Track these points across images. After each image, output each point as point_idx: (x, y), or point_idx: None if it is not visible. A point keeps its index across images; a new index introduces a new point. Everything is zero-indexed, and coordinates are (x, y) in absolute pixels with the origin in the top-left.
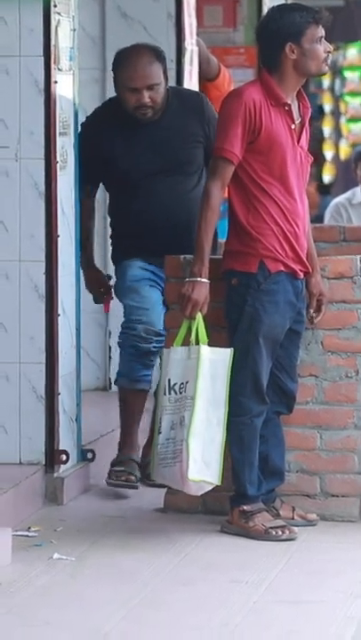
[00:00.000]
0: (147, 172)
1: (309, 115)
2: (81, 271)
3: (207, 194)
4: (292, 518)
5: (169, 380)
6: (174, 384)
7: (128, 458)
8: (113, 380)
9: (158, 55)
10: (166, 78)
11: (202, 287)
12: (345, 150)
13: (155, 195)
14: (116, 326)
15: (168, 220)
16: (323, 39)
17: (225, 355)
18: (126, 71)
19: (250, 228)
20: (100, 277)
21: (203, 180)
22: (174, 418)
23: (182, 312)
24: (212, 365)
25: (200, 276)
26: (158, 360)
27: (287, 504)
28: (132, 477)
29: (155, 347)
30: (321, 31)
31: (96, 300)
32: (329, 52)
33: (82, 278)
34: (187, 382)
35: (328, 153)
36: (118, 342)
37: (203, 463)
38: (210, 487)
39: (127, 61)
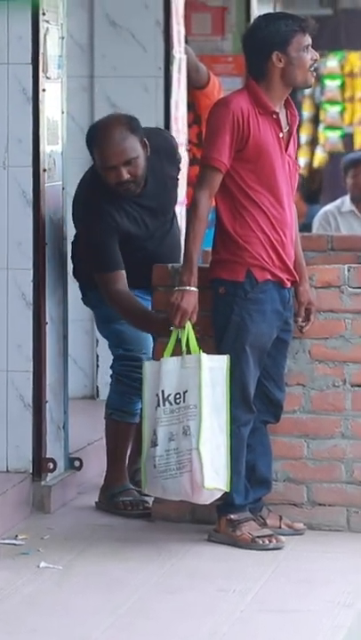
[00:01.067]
0: (149, 232)
1: (297, 123)
2: (69, 280)
3: (196, 203)
4: (280, 527)
5: (163, 392)
6: (168, 395)
7: (129, 487)
8: (106, 415)
9: (132, 127)
10: (145, 146)
11: (191, 296)
12: (319, 158)
13: (148, 242)
14: None
15: (153, 259)
16: (309, 47)
17: (222, 361)
18: (100, 150)
19: (237, 236)
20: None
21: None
22: (173, 429)
23: (171, 321)
24: (212, 373)
25: (189, 285)
26: None
27: (274, 513)
28: (147, 504)
29: None
30: (308, 39)
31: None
32: (316, 60)
33: (70, 285)
34: (185, 392)
35: (302, 160)
36: (116, 376)
37: (213, 471)
38: (219, 494)
39: (100, 139)
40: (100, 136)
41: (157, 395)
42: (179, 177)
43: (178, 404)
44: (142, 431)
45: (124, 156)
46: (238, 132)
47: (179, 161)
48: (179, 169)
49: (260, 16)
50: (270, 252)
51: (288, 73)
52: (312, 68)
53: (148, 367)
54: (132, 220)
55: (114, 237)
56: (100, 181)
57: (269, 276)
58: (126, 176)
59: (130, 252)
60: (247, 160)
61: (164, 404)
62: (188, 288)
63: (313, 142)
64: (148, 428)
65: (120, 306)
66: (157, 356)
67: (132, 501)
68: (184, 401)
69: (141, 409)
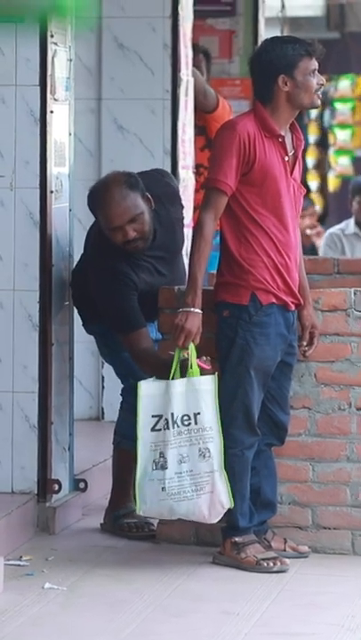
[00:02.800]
0: (165, 275)
1: (302, 146)
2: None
3: (201, 224)
4: (284, 550)
5: (172, 414)
6: (177, 417)
7: (134, 509)
8: (115, 442)
9: (130, 184)
10: (148, 200)
11: (195, 317)
12: (334, 182)
13: (161, 282)
14: None
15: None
16: (316, 72)
17: (214, 383)
18: (103, 212)
19: (241, 259)
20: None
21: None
22: (183, 451)
23: (175, 342)
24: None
25: (193, 307)
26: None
27: (279, 536)
28: (152, 526)
29: None
30: (314, 64)
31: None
32: (322, 84)
33: (75, 310)
34: (197, 414)
35: (313, 184)
36: (125, 403)
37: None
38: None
39: (102, 202)
40: (100, 198)
41: (168, 417)
42: (184, 215)
43: (187, 425)
44: (138, 453)
45: (127, 215)
46: (245, 156)
47: (180, 199)
48: (182, 207)
49: (267, 39)
50: (275, 276)
51: (294, 96)
52: (318, 92)
53: (145, 388)
54: (146, 272)
55: (134, 297)
56: (108, 242)
57: (274, 300)
58: (133, 234)
59: (143, 294)
60: (253, 183)
61: (173, 427)
62: (192, 310)
63: (320, 166)
64: (144, 451)
65: (146, 364)
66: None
67: (137, 524)
68: (196, 423)
69: (134, 431)
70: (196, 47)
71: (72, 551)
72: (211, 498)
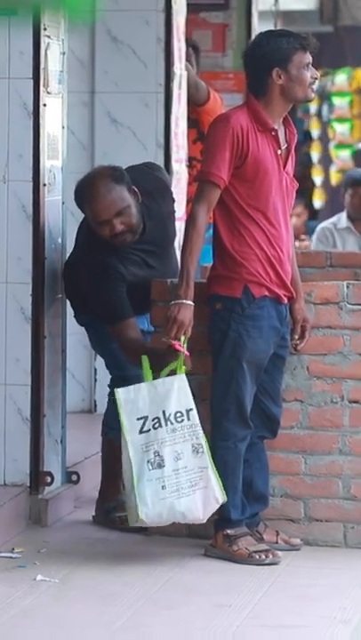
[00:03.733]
0: (152, 272)
1: (295, 140)
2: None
3: (193, 217)
4: (276, 542)
5: (164, 412)
6: (169, 414)
7: (124, 501)
8: (103, 432)
9: (116, 177)
10: (135, 193)
11: (187, 309)
12: (336, 176)
13: (152, 275)
14: None
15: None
16: (310, 65)
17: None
18: (90, 206)
19: (234, 252)
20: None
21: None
22: (178, 447)
23: (167, 334)
24: None
25: (185, 299)
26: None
27: (271, 528)
28: None
29: None
30: (308, 57)
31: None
32: (316, 78)
33: (67, 301)
34: (189, 410)
35: (317, 178)
36: (113, 395)
37: None
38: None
39: (88, 196)
40: (87, 193)
41: (160, 415)
42: (175, 209)
43: (180, 422)
44: (125, 458)
45: (114, 208)
46: (238, 149)
47: (171, 193)
48: (173, 200)
49: (261, 33)
50: (267, 269)
51: (288, 90)
52: (312, 86)
53: (122, 393)
54: (136, 266)
55: (122, 289)
56: (96, 236)
57: (266, 293)
58: (120, 227)
59: (134, 287)
60: (245, 176)
61: (166, 424)
62: (184, 301)
63: (324, 160)
64: (135, 454)
65: (133, 354)
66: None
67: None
68: (189, 419)
69: (119, 437)
70: (185, 41)
71: (64, 543)
72: (205, 493)
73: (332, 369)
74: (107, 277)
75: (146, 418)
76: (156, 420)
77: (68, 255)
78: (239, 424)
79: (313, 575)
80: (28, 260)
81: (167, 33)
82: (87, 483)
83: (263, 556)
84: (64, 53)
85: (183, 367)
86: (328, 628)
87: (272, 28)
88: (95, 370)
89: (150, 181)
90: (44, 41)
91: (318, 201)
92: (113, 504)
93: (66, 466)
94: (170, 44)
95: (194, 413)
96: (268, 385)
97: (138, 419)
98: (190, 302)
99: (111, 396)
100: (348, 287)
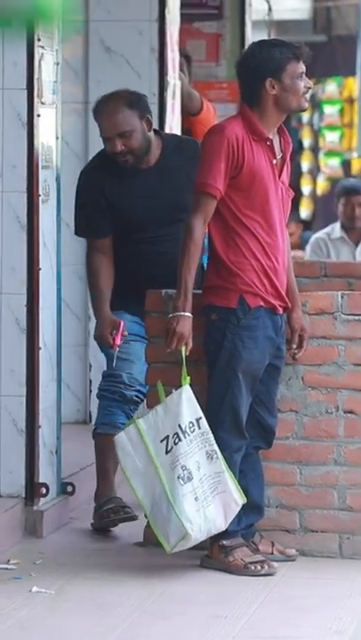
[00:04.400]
0: (145, 218)
1: (290, 150)
2: (63, 306)
3: (190, 228)
4: (272, 553)
5: (179, 426)
6: (185, 426)
7: (112, 496)
8: (93, 433)
9: (130, 101)
10: (148, 122)
11: (186, 321)
12: (321, 185)
13: (153, 244)
14: (96, 360)
15: (166, 268)
16: (303, 75)
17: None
18: (98, 120)
19: (229, 263)
20: (114, 320)
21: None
22: (197, 457)
23: (167, 346)
24: None
25: (183, 311)
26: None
27: (266, 539)
28: (128, 509)
29: (137, 396)
30: (301, 67)
31: (106, 345)
32: (309, 87)
33: (63, 311)
34: (199, 418)
35: (306, 188)
36: (99, 392)
37: None
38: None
39: (99, 110)
40: (99, 108)
41: (175, 432)
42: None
43: (192, 432)
44: (154, 483)
45: (117, 129)
46: (233, 159)
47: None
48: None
49: (254, 43)
50: (263, 279)
51: (282, 99)
52: (306, 95)
53: (144, 423)
54: (124, 195)
55: (97, 202)
56: (106, 156)
57: (262, 303)
58: (120, 147)
59: (128, 239)
60: (241, 187)
61: (185, 437)
62: (182, 314)
63: (313, 170)
64: (166, 474)
65: (88, 276)
66: (150, 380)
67: (114, 508)
68: (199, 427)
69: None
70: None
71: (60, 555)
72: (224, 498)
73: (327, 379)
74: (85, 181)
75: (167, 437)
76: (175, 436)
77: (61, 266)
78: (235, 434)
79: (308, 586)
80: (23, 270)
81: (161, 43)
82: (82, 494)
83: (259, 567)
84: (58, 64)
85: (187, 377)
86: (323, 638)
87: (265, 37)
88: (90, 381)
89: (193, 149)
90: (37, 51)
91: (305, 210)
92: (103, 500)
93: (61, 477)
94: (163, 54)
95: (203, 421)
96: (264, 395)
97: (161, 440)
98: (189, 314)
99: (98, 394)
100: (342, 297)
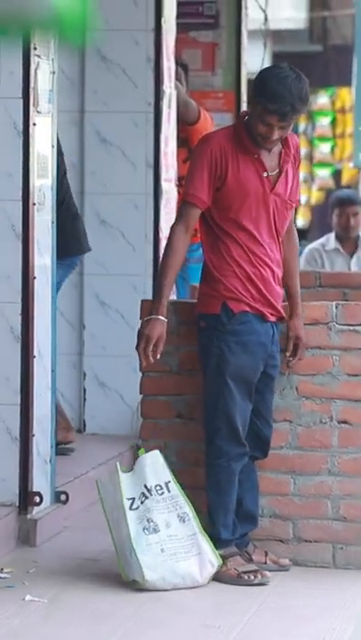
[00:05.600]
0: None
1: (291, 161)
2: (58, 314)
3: (170, 235)
4: (265, 563)
5: (145, 486)
6: (150, 487)
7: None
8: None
9: None
10: None
11: (157, 324)
12: (315, 195)
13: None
14: (90, 369)
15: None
16: (268, 124)
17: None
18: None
19: (214, 269)
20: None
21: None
22: (166, 517)
23: (136, 348)
24: None
25: (156, 314)
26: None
27: (260, 549)
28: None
29: None
30: (271, 118)
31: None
32: (265, 138)
33: (58, 320)
34: (168, 482)
35: (302, 197)
36: None
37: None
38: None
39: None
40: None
41: (141, 492)
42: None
43: (161, 494)
44: (124, 532)
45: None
46: (216, 169)
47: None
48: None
49: (276, 66)
50: (247, 286)
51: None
52: (262, 139)
53: (107, 480)
54: None
55: None
56: None
57: (247, 308)
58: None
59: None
60: (225, 196)
61: (151, 495)
62: (154, 316)
63: (309, 179)
64: (132, 525)
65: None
66: (146, 390)
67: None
68: (169, 491)
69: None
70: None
71: (53, 563)
72: (200, 559)
73: (321, 389)
74: None
75: (133, 499)
76: (142, 495)
77: (56, 276)
78: (232, 442)
79: (302, 596)
80: (18, 279)
81: (157, 52)
82: (76, 503)
83: (252, 577)
84: (54, 73)
85: (142, 449)
86: None
87: (261, 47)
88: (84, 389)
89: None
90: (33, 60)
91: (301, 220)
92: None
93: (55, 486)
94: (159, 64)
95: (172, 485)
96: (260, 405)
97: (127, 499)
98: (162, 318)
99: None
100: (336, 307)
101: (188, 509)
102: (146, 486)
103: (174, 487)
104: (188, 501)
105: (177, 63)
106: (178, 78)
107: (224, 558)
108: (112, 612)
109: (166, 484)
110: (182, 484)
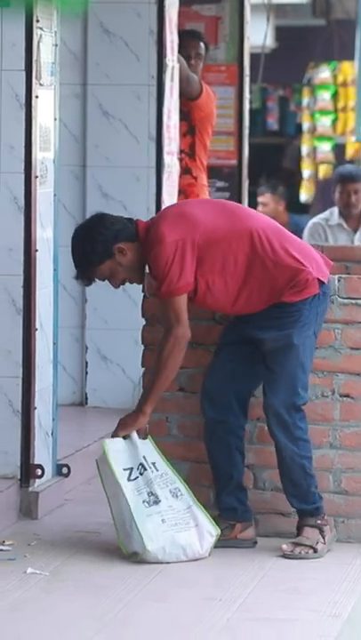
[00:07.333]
0: None
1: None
2: (60, 287)
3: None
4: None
5: (144, 457)
6: (146, 463)
7: None
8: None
9: None
10: None
11: (143, 420)
12: (324, 169)
13: None
14: (92, 342)
15: None
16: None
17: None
18: None
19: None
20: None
21: None
22: (163, 491)
23: (113, 432)
24: None
25: (144, 412)
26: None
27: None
28: None
29: None
30: None
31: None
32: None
33: (60, 293)
34: (154, 462)
35: (306, 172)
36: None
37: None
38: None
39: None
40: None
41: (140, 463)
42: None
43: (158, 470)
44: (122, 502)
45: None
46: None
47: None
48: None
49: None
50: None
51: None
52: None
53: (109, 443)
54: None
55: None
56: None
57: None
58: None
59: None
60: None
61: (150, 467)
62: (142, 413)
63: (313, 153)
64: (131, 496)
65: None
66: (146, 363)
67: None
68: (157, 470)
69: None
70: (198, 35)
71: (55, 536)
72: (198, 531)
73: (323, 363)
74: None
75: (131, 469)
76: (140, 467)
77: (58, 247)
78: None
79: (303, 569)
80: (20, 251)
81: (159, 25)
82: (78, 475)
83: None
84: (56, 45)
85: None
86: (318, 621)
87: (264, 20)
88: (86, 363)
89: None
90: (36, 33)
91: (305, 194)
92: None
93: (56, 458)
94: (162, 37)
95: (159, 464)
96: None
97: (124, 469)
98: (148, 415)
99: None
100: (339, 281)
101: (178, 484)
102: (145, 457)
103: (162, 465)
104: (178, 476)
105: (200, 39)
106: (199, 55)
107: (229, 524)
108: (113, 585)
109: (153, 463)
110: (185, 458)
